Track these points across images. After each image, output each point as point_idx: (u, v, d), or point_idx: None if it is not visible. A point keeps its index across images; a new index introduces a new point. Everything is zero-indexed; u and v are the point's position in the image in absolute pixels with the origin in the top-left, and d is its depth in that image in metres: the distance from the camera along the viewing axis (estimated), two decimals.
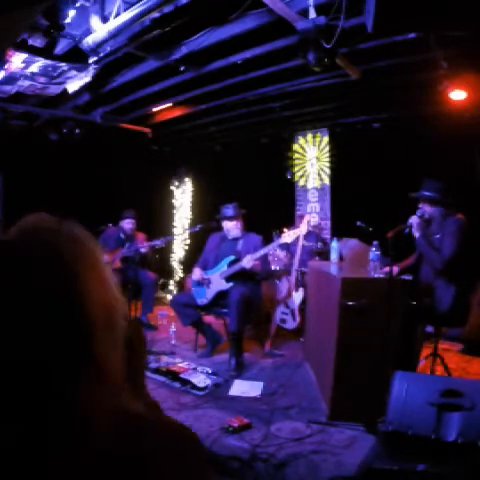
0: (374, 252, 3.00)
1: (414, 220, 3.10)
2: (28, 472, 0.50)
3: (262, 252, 4.00)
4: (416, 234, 3.09)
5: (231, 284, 4.02)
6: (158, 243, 4.77)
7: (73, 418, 0.53)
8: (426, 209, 3.12)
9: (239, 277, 4.03)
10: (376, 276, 2.93)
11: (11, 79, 3.79)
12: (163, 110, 5.39)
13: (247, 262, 3.88)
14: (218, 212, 4.32)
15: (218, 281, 4.10)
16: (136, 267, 4.71)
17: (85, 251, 0.59)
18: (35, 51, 3.21)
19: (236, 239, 4.25)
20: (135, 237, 5.42)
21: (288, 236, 4.09)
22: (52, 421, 0.52)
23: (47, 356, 0.52)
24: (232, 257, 4.12)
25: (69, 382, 0.53)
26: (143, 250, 4.91)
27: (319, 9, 2.78)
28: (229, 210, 4.18)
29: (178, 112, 5.40)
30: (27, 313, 0.52)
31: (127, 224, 5.37)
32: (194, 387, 3.33)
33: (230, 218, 4.17)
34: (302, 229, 4.38)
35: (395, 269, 3.20)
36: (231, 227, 4.20)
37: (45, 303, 0.52)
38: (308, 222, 5.13)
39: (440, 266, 2.98)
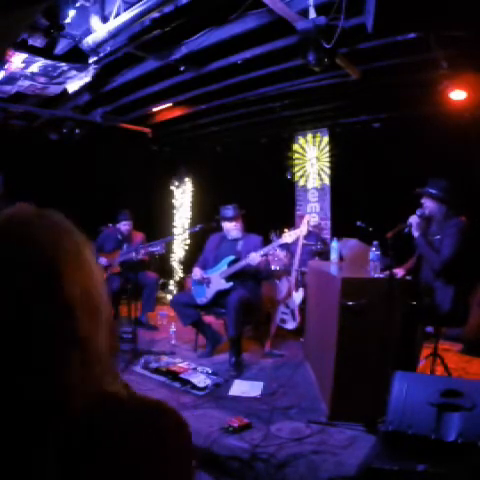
0: (374, 252, 3.00)
1: (414, 220, 3.10)
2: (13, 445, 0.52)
3: (262, 252, 3.99)
4: (415, 234, 3.09)
5: (231, 283, 4.02)
6: (157, 249, 4.76)
7: (53, 399, 0.55)
8: (428, 205, 3.11)
9: (239, 277, 4.03)
10: (376, 276, 2.93)
11: (11, 79, 3.79)
12: (163, 110, 5.39)
13: (252, 259, 3.87)
14: (218, 212, 4.32)
15: (218, 281, 4.10)
16: (136, 269, 4.70)
17: (63, 237, 0.60)
18: (35, 51, 3.20)
19: (236, 239, 4.25)
20: (133, 238, 5.42)
21: (289, 236, 4.09)
22: (31, 399, 0.54)
23: (29, 336, 0.54)
24: (232, 257, 4.12)
25: (53, 363, 0.55)
26: (141, 255, 4.89)
27: (319, 9, 2.78)
28: (228, 211, 4.18)
29: (178, 112, 5.39)
30: (4, 295, 0.54)
31: (123, 226, 5.38)
32: (194, 387, 3.33)
33: (229, 219, 4.17)
34: (302, 229, 4.38)
35: (400, 272, 3.20)
36: (231, 228, 4.20)
37: (21, 286, 0.55)
38: (308, 222, 5.14)
39: (438, 267, 2.98)
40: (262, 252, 3.96)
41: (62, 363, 0.56)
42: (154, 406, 0.64)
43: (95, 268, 0.63)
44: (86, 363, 0.58)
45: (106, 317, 0.63)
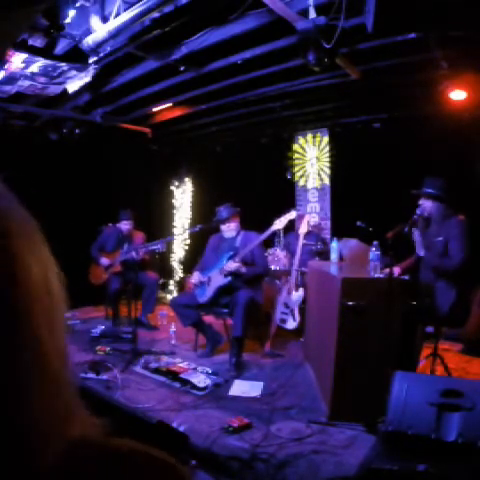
0: (374, 252, 3.00)
1: (417, 237, 3.13)
2: None
3: (237, 258, 4.01)
4: (421, 253, 3.12)
5: (229, 278, 4.01)
6: (158, 247, 4.76)
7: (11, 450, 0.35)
8: (426, 206, 3.12)
9: (240, 276, 4.03)
10: (376, 276, 2.93)
11: (11, 79, 3.79)
12: (163, 110, 5.39)
13: (228, 267, 3.94)
14: (216, 214, 4.34)
15: (217, 277, 4.10)
16: (136, 268, 4.71)
17: (13, 207, 0.41)
18: (35, 51, 3.20)
19: (235, 236, 4.27)
20: (133, 237, 5.43)
21: (279, 222, 4.11)
22: None
23: None
24: (231, 252, 4.12)
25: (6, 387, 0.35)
26: (141, 254, 4.89)
27: (319, 9, 2.78)
28: (222, 213, 4.23)
29: (178, 112, 5.39)
30: None
31: (124, 225, 5.40)
32: (194, 387, 3.32)
33: (223, 221, 4.21)
34: (293, 213, 4.34)
35: (397, 270, 3.21)
36: (226, 229, 4.26)
37: None
38: (308, 222, 5.14)
39: (454, 270, 2.98)
40: (237, 258, 4.01)
41: (19, 388, 0.36)
42: (147, 462, 0.43)
43: (50, 255, 0.43)
44: (47, 389, 0.38)
45: (63, 325, 0.43)
